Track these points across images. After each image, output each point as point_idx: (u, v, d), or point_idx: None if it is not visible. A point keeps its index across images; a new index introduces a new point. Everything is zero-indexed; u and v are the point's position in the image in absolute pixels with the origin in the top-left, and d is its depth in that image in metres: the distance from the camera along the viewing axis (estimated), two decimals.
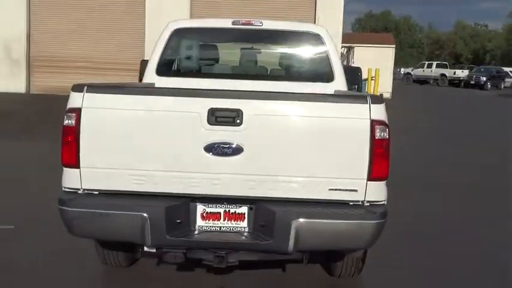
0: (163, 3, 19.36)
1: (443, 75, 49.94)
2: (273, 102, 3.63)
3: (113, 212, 3.56)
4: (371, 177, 3.59)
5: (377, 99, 3.62)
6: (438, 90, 41.62)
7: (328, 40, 5.70)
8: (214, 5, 19.41)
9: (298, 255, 3.80)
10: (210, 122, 3.53)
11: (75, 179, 3.65)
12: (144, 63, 7.07)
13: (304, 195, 3.63)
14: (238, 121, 3.53)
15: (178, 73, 5.86)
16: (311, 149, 3.59)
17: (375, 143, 3.55)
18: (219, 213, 3.70)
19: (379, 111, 3.58)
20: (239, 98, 3.59)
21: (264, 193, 3.62)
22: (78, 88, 3.63)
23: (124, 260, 4.62)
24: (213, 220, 3.70)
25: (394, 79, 31.47)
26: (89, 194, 3.66)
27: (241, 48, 6.17)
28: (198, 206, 3.69)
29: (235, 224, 3.70)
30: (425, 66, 52.89)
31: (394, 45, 30.91)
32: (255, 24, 5.68)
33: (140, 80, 6.99)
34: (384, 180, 3.66)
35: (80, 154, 3.60)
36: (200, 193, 3.64)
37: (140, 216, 3.50)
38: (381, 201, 3.68)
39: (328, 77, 5.70)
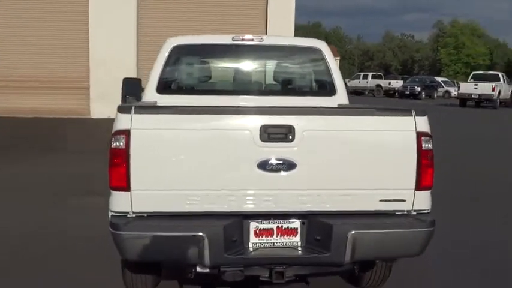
0: (106, 17, 18.87)
1: (378, 85, 51.45)
2: (323, 118, 3.70)
3: (170, 234, 3.51)
4: (419, 187, 3.71)
5: (421, 111, 3.75)
6: (377, 100, 42.78)
7: (329, 54, 5.83)
8: (162, 16, 19.23)
9: (350, 266, 3.86)
10: (262, 139, 3.55)
11: (125, 202, 3.57)
12: (126, 82, 7.01)
13: (356, 208, 3.71)
14: (290, 137, 3.57)
15: (180, 91, 5.84)
16: (361, 161, 3.68)
17: (421, 154, 3.68)
18: (272, 229, 3.72)
19: (423, 123, 3.71)
20: (290, 114, 3.64)
21: (316, 207, 3.67)
22: (125, 109, 3.57)
23: (151, 284, 4.54)
24: (266, 236, 3.72)
25: None
26: (139, 217, 3.59)
27: (243, 64, 6.20)
28: (251, 223, 3.69)
29: (288, 239, 3.73)
30: (361, 77, 54.38)
31: (338, 57, 31.62)
32: (256, 39, 5.75)
33: (123, 99, 6.92)
34: (430, 190, 3.78)
35: (131, 177, 3.54)
36: (254, 210, 3.65)
37: (199, 236, 3.47)
38: (427, 209, 3.80)
39: (330, 91, 5.84)
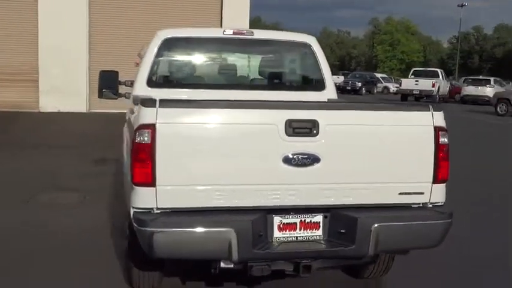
0: (56, 8, 18.18)
1: None
2: (346, 112, 3.75)
3: (200, 230, 3.46)
4: (436, 180, 3.81)
5: (437, 107, 3.85)
6: None
7: (318, 49, 5.90)
8: (115, 8, 18.84)
9: (369, 258, 3.92)
10: (287, 133, 3.56)
11: (150, 198, 3.50)
12: (103, 75, 6.85)
13: (376, 201, 3.78)
14: (315, 131, 3.59)
15: (171, 84, 5.77)
16: (382, 155, 3.75)
17: (438, 148, 3.78)
18: (295, 223, 3.73)
19: (440, 118, 3.81)
20: (315, 109, 3.67)
21: (338, 201, 3.72)
22: (149, 103, 3.50)
23: (157, 282, 4.47)
24: (289, 231, 3.73)
25: None
26: (164, 213, 3.53)
27: (234, 58, 6.17)
28: (274, 218, 3.69)
29: (311, 232, 3.75)
30: None
31: None
32: (246, 33, 5.75)
33: (100, 91, 6.76)
34: (445, 183, 3.89)
35: (156, 172, 3.47)
36: (278, 205, 3.65)
37: (228, 231, 3.45)
38: (442, 202, 3.91)
39: (320, 86, 5.91)
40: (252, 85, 5.90)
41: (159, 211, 3.52)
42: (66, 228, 6.34)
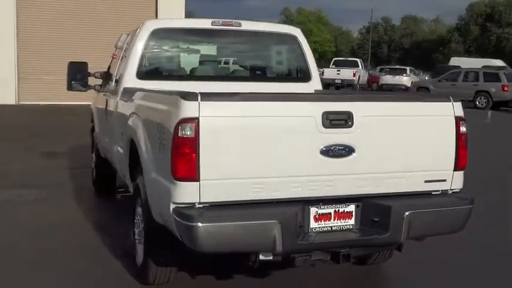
0: None
1: None
2: (377, 104, 3.86)
3: (246, 223, 3.46)
4: (457, 167, 3.99)
5: (456, 98, 4.03)
6: None
7: (304, 41, 5.99)
8: (46, 3, 18.12)
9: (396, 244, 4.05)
10: (324, 125, 3.61)
11: (193, 193, 3.46)
12: (72, 66, 6.64)
13: (404, 189, 3.91)
14: (350, 123, 3.67)
15: (161, 76, 5.68)
16: (410, 145, 3.89)
17: (459, 137, 3.96)
18: (330, 213, 3.80)
19: (459, 109, 4.00)
20: (350, 101, 3.75)
21: (370, 190, 3.82)
22: (191, 96, 3.44)
23: (173, 276, 4.42)
24: (324, 221, 3.78)
25: None
26: (206, 207, 3.49)
27: (223, 49, 6.13)
28: (311, 209, 3.74)
29: (344, 222, 3.83)
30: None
31: None
32: (234, 25, 5.74)
33: (68, 83, 6.56)
34: (464, 170, 4.08)
35: (200, 166, 3.43)
36: (315, 196, 3.71)
37: (273, 224, 3.47)
38: (460, 189, 4.10)
39: (306, 77, 6.01)
40: (242, 77, 5.91)
41: (201, 205, 3.49)
42: (50, 224, 6.13)
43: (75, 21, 18.88)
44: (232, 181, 3.52)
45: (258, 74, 6.11)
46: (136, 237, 4.58)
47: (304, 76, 6.03)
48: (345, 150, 3.67)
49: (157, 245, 4.15)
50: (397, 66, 39.75)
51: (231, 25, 5.74)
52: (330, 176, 3.70)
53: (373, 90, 36.24)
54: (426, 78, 36.87)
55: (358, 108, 3.70)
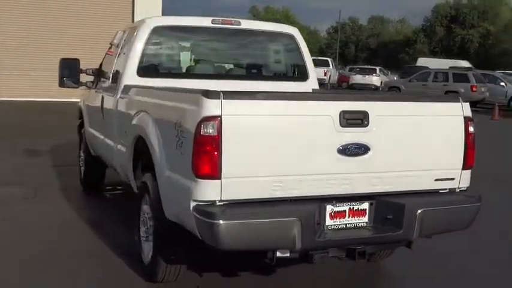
0: None
1: None
2: (391, 104, 3.94)
3: (268, 220, 3.49)
4: (465, 166, 4.10)
5: (464, 98, 4.14)
6: None
7: (301, 40, 6.05)
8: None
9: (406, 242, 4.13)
10: (342, 124, 3.67)
11: (214, 191, 3.47)
12: (63, 63, 6.58)
13: (416, 187, 4.00)
14: (365, 122, 3.73)
15: (161, 74, 5.65)
16: (421, 144, 3.97)
17: (467, 136, 4.06)
18: (345, 211, 3.85)
19: (467, 109, 4.10)
20: (366, 101, 3.82)
21: (384, 188, 3.89)
22: (213, 95, 3.46)
23: (182, 273, 4.42)
24: (339, 218, 3.84)
25: None
26: (227, 205, 3.51)
27: (222, 48, 6.13)
28: (327, 206, 3.79)
29: (358, 219, 3.90)
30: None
31: None
32: (234, 23, 5.77)
33: (60, 80, 6.50)
34: (471, 169, 4.18)
35: (222, 164, 3.44)
36: (331, 194, 3.76)
37: (293, 221, 3.51)
38: (467, 187, 4.20)
39: (303, 76, 6.08)
40: (241, 75, 5.93)
41: (221, 203, 3.50)
42: (43, 224, 6.06)
43: (50, 16, 18.65)
44: (253, 179, 3.54)
45: (257, 72, 6.14)
46: (142, 235, 4.56)
47: (301, 75, 6.09)
48: (360, 149, 3.74)
49: (169, 242, 4.15)
50: (367, 66, 40.20)
51: (231, 24, 5.76)
52: (346, 174, 3.76)
53: (344, 89, 36.70)
54: (395, 78, 37.38)
55: (373, 108, 3.77)
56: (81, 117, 7.84)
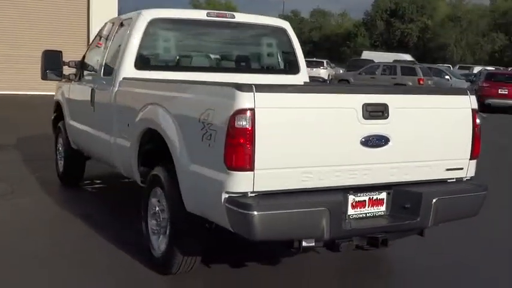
0: None
1: None
2: (409, 96, 4.08)
3: (300, 210, 3.57)
4: (472, 156, 4.29)
5: (471, 91, 4.33)
6: None
7: (292, 34, 6.16)
8: None
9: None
10: (364, 117, 3.79)
11: (247, 182, 3.52)
12: (46, 55, 6.46)
13: (429, 177, 4.17)
14: (386, 114, 3.87)
15: (158, 66, 5.63)
16: (434, 135, 4.14)
17: (475, 128, 4.26)
18: (365, 201, 3.98)
19: (474, 102, 4.30)
20: (385, 93, 3.95)
21: (401, 178, 4.04)
22: (246, 88, 3.50)
23: (197, 264, 4.44)
24: (360, 208, 3.96)
25: None
26: (259, 196, 3.57)
27: (217, 40, 6.14)
28: (349, 196, 3.90)
29: (377, 209, 4.03)
30: None
31: None
32: (228, 16, 5.81)
33: (43, 72, 6.40)
34: (477, 159, 4.39)
35: (255, 156, 3.50)
36: (354, 184, 3.88)
37: (323, 211, 3.60)
38: (472, 176, 4.40)
39: (294, 69, 6.18)
40: (236, 68, 5.96)
41: (253, 194, 3.56)
42: (32, 220, 5.95)
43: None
44: (283, 170, 3.61)
45: (252, 65, 6.18)
46: (153, 228, 4.55)
47: (293, 68, 6.18)
48: (381, 141, 3.86)
49: (187, 234, 4.17)
50: (314, 59, 40.66)
51: (225, 17, 5.79)
52: (367, 165, 3.88)
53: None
54: (341, 71, 38.04)
55: (392, 100, 3.90)
56: (56, 110, 7.69)
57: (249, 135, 3.47)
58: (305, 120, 3.65)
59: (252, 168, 3.50)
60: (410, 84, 25.35)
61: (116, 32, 5.88)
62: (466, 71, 39.83)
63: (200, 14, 5.73)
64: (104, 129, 5.65)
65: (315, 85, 3.95)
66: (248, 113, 3.46)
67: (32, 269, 4.62)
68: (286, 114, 3.59)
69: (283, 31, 6.12)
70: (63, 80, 6.92)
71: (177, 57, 5.78)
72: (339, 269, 4.99)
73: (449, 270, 4.95)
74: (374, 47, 71.03)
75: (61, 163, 7.46)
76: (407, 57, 41.43)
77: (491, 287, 4.75)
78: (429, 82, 26.03)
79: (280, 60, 6.26)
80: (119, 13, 18.31)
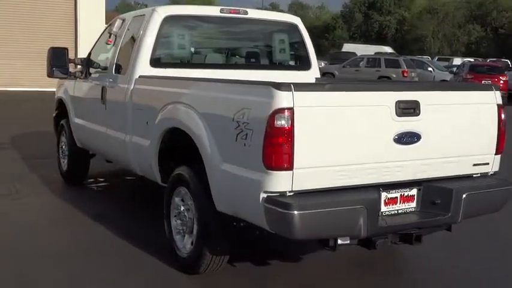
0: None
1: None
2: (439, 93, 4.10)
3: (338, 209, 3.57)
4: (497, 151, 4.34)
5: (496, 87, 4.37)
6: None
7: (304, 30, 6.16)
8: None
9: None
10: (397, 114, 3.80)
11: (286, 182, 3.51)
12: (53, 52, 6.38)
13: (457, 172, 4.20)
14: (417, 111, 3.88)
15: (172, 64, 5.56)
16: (463, 130, 4.17)
17: (501, 123, 4.30)
18: (397, 197, 3.99)
19: (499, 97, 4.33)
20: (416, 90, 3.97)
21: (432, 174, 4.06)
22: (284, 87, 3.48)
23: (224, 263, 4.43)
24: (392, 205, 3.97)
25: None
26: (297, 195, 3.56)
27: (231, 37, 6.11)
28: (382, 193, 3.91)
29: (408, 205, 4.05)
30: None
31: None
32: (241, 13, 5.78)
33: (49, 70, 6.32)
34: (501, 154, 4.43)
35: (294, 156, 3.49)
36: (388, 181, 3.88)
37: (360, 209, 3.61)
38: (496, 171, 4.45)
39: (306, 65, 6.19)
40: (249, 64, 5.93)
41: (291, 194, 3.55)
42: (43, 220, 5.89)
43: None
44: (321, 169, 3.61)
45: (266, 61, 6.16)
46: (178, 228, 4.52)
47: (304, 64, 6.18)
48: (413, 138, 3.88)
49: (217, 234, 4.16)
50: None
51: (238, 13, 5.75)
52: (399, 162, 3.89)
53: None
54: (323, 64, 38.05)
55: (423, 97, 3.91)
56: (58, 107, 7.59)
57: (288, 134, 3.45)
58: (341, 118, 3.64)
59: (291, 168, 3.49)
60: (395, 76, 25.56)
61: (128, 29, 5.81)
62: (446, 63, 40.20)
63: (214, 10, 5.69)
64: (118, 127, 5.58)
65: (349, 83, 3.92)
66: (287, 112, 3.44)
67: (55, 266, 4.60)
68: (323, 113, 3.58)
69: (295, 27, 6.11)
70: (69, 78, 6.82)
71: (191, 54, 5.72)
72: (348, 266, 4.97)
73: (471, 269, 4.99)
74: (352, 39, 71.30)
75: (64, 161, 7.37)
76: (388, 49, 41.71)
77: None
78: (412, 74, 26.18)
79: (292, 56, 6.25)
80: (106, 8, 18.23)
